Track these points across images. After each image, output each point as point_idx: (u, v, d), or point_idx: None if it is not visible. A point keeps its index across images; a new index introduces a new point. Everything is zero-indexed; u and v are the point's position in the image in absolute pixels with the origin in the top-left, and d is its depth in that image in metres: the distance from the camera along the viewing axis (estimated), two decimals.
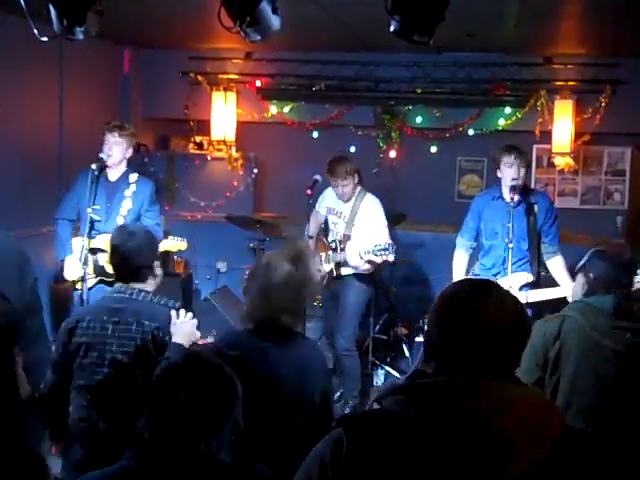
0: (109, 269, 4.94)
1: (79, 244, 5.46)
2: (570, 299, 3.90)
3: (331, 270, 6.00)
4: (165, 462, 2.06)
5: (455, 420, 1.60)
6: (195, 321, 3.42)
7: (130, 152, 5.73)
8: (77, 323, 3.44)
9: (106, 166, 5.58)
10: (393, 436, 1.63)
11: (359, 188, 5.99)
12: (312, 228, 6.16)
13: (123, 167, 5.70)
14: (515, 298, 1.80)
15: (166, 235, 5.89)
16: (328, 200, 6.19)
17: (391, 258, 5.47)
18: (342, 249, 5.87)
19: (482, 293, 1.76)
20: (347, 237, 5.90)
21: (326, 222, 6.23)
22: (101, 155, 5.54)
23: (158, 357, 3.21)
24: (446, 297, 1.80)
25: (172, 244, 5.82)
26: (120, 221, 5.53)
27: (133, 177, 5.71)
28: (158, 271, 3.58)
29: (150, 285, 3.56)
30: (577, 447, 1.67)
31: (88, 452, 3.35)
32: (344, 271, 5.97)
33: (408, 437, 1.62)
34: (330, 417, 3.21)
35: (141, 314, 3.38)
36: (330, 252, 6.01)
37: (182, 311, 3.41)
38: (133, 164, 5.94)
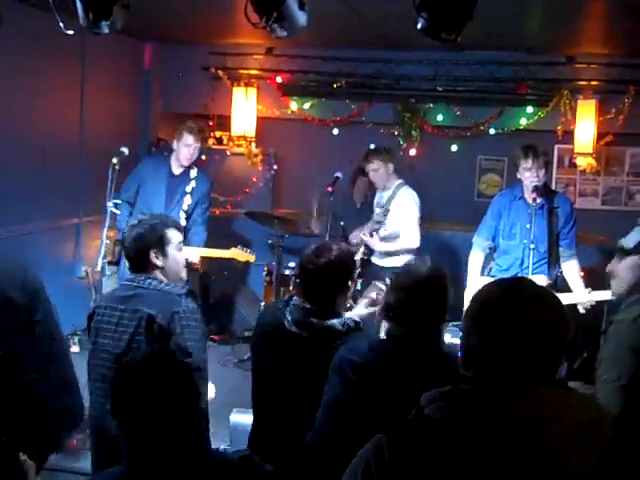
0: None
1: None
2: (615, 285, 3.46)
3: (361, 256, 6.27)
4: (161, 464, 2.05)
5: (501, 428, 1.55)
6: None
7: None
8: (95, 310, 3.45)
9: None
10: (435, 444, 1.58)
11: (399, 181, 6.24)
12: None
13: None
14: (552, 295, 1.74)
15: (223, 235, 6.25)
16: (378, 194, 6.47)
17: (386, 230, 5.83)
18: (371, 234, 6.10)
19: (516, 293, 1.71)
20: (380, 223, 6.13)
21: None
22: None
23: (158, 343, 3.12)
24: (478, 300, 1.74)
25: (241, 254, 5.94)
26: (182, 216, 5.78)
27: (193, 173, 5.96)
28: (158, 262, 3.42)
29: (157, 274, 3.42)
30: (629, 456, 1.60)
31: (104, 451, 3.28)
32: (375, 259, 6.26)
33: (450, 445, 1.57)
34: None
35: (142, 302, 3.29)
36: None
37: None
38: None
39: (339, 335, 2.95)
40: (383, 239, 6.08)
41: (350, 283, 3.11)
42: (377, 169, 6.13)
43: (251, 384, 3.27)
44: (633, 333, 3.07)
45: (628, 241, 3.43)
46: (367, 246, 6.19)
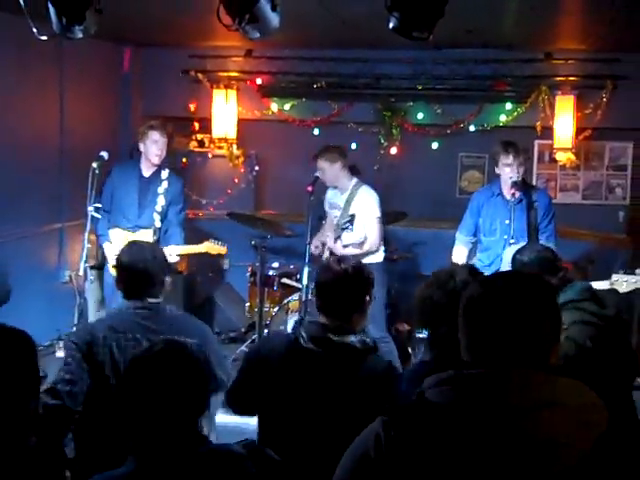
0: None
1: (118, 235, 5.76)
2: None
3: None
4: (171, 458, 2.02)
5: (498, 412, 1.59)
6: None
7: None
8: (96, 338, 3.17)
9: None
10: (433, 426, 1.63)
11: (355, 180, 6.09)
12: (327, 227, 6.36)
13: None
14: (546, 285, 1.79)
15: (206, 237, 6.11)
16: (329, 195, 6.32)
17: (352, 236, 5.74)
18: (336, 238, 5.93)
19: (509, 282, 1.76)
20: (345, 229, 5.86)
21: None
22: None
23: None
24: (465, 296, 1.78)
25: (213, 247, 5.97)
26: (156, 217, 5.79)
27: (165, 174, 5.90)
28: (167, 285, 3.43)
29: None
30: (624, 442, 1.64)
31: None
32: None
33: (448, 428, 1.61)
34: None
35: (180, 331, 3.11)
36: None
37: None
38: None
39: (357, 354, 2.86)
40: (346, 245, 5.89)
41: (368, 300, 3.00)
42: (325, 169, 5.91)
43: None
44: None
45: (504, 265, 3.65)
46: (332, 252, 5.97)
